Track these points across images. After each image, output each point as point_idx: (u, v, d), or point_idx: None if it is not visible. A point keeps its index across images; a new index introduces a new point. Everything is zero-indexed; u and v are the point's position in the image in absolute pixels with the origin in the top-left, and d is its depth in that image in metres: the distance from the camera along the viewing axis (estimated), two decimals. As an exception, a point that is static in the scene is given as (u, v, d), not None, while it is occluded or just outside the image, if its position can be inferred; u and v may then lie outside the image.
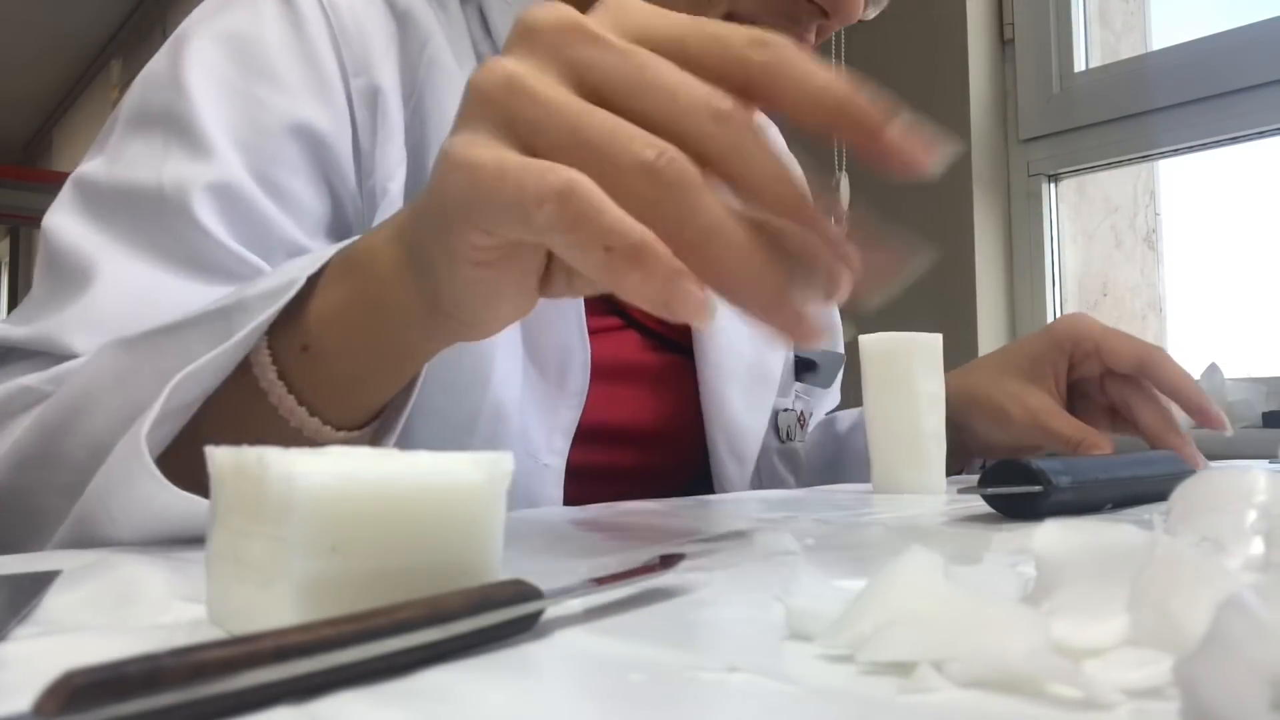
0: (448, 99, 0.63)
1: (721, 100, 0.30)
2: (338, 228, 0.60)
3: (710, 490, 0.74)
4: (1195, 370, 1.42)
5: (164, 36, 0.69)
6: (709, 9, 0.58)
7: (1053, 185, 1.68)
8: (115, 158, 0.57)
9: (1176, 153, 1.55)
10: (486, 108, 0.32)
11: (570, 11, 0.33)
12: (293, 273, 0.42)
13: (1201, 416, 0.69)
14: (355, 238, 0.44)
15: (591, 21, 0.33)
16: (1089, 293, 1.71)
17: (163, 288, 0.52)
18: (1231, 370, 1.37)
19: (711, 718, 0.18)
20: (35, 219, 0.62)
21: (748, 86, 0.31)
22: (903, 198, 1.73)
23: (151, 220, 0.54)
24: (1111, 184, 1.74)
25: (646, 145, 0.30)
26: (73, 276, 0.53)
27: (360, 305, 0.42)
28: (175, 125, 0.56)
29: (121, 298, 0.51)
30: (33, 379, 0.48)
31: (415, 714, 0.18)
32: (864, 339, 0.63)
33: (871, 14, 0.70)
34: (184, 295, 0.50)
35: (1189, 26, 1.68)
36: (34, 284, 0.56)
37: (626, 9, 0.33)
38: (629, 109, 0.31)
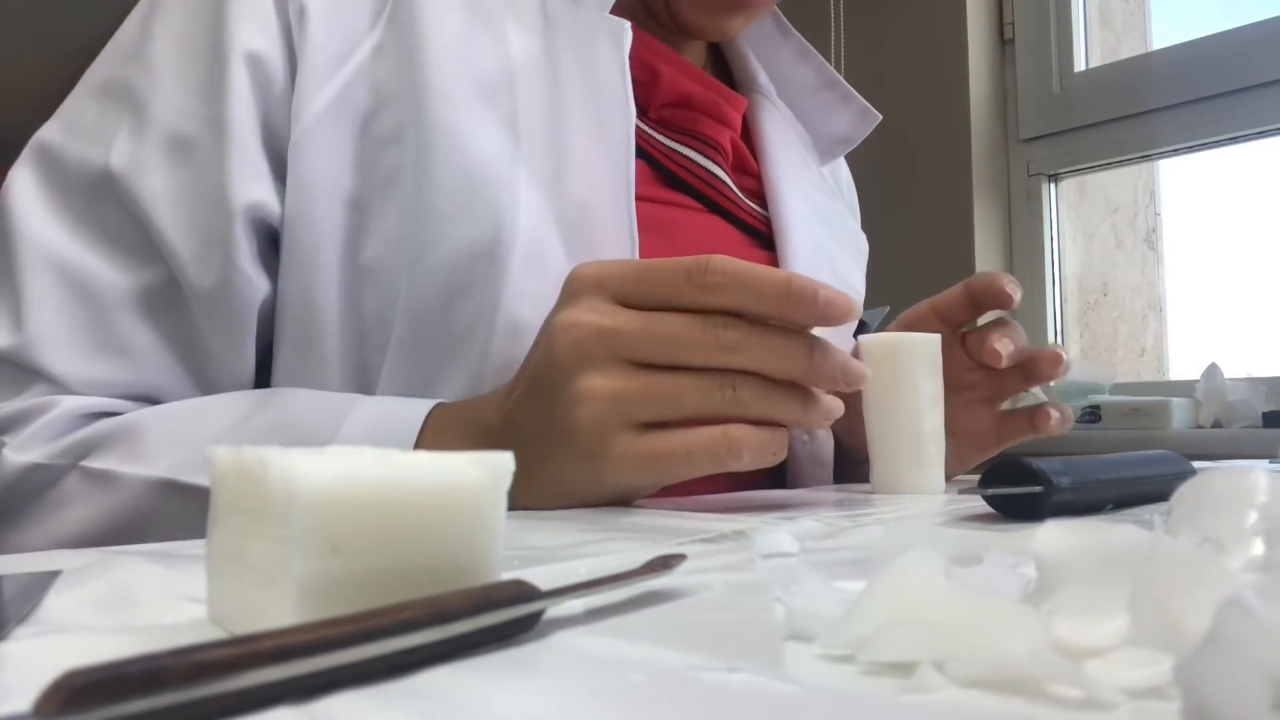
0: None
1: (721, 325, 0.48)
2: (270, 141, 0.60)
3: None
4: (1195, 370, 1.42)
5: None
6: None
7: (1053, 185, 1.68)
8: (71, 125, 0.59)
9: (1176, 153, 1.55)
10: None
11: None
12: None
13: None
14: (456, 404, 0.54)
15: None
16: (1089, 293, 1.71)
17: (104, 282, 0.56)
18: (1231, 370, 1.37)
19: (711, 718, 0.18)
20: (35, 218, 0.65)
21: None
22: (904, 198, 1.74)
23: (97, 199, 0.57)
24: (1112, 184, 1.74)
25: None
26: (16, 261, 0.56)
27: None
28: (132, 103, 0.58)
29: (74, 304, 0.56)
30: (40, 455, 0.53)
31: (415, 714, 0.18)
32: (863, 339, 0.62)
33: None
34: (123, 289, 0.56)
35: (1189, 26, 1.69)
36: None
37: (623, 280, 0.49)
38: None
